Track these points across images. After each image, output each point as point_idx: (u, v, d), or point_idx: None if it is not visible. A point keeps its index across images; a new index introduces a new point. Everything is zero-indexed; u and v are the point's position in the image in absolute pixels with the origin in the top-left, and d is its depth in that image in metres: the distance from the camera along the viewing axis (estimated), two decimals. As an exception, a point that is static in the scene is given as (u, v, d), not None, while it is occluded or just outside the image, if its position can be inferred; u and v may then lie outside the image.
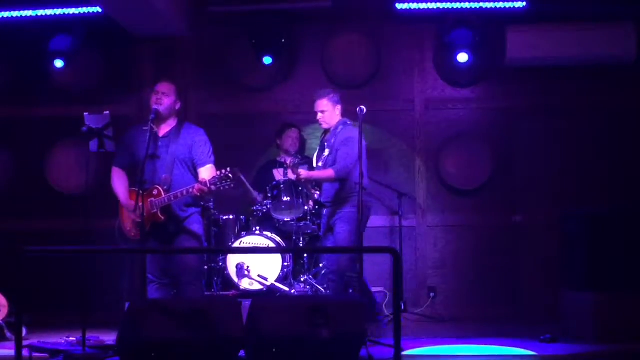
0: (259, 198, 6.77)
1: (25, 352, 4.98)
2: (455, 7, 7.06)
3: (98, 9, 6.95)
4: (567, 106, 7.46)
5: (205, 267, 6.66)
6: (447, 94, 7.63)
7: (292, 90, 7.66)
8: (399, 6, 7.11)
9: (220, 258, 6.71)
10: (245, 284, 6.58)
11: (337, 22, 7.60)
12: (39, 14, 7.13)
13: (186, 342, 4.57)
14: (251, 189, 6.78)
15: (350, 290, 6.29)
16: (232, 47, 7.63)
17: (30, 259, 4.81)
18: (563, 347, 5.45)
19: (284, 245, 6.72)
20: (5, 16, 7.16)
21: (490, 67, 7.49)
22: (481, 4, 7.03)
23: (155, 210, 5.57)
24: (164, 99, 5.72)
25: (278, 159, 7.24)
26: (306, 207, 6.58)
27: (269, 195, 6.57)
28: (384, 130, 7.57)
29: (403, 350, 4.90)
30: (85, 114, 5.55)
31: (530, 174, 7.47)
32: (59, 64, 7.17)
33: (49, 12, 7.12)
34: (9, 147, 7.69)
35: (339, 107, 6.25)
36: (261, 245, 6.62)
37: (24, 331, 5.78)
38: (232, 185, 5.45)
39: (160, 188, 5.60)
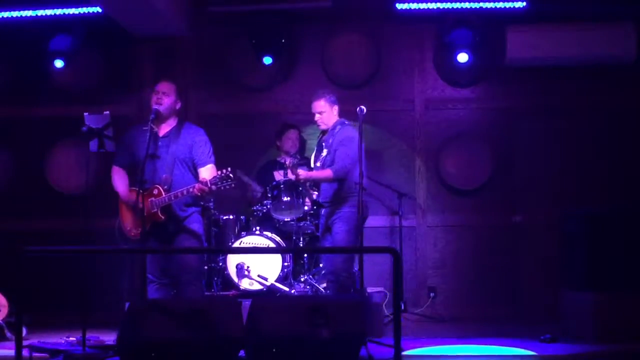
0: (258, 188, 6.76)
1: (25, 352, 4.98)
2: (455, 7, 7.05)
3: (98, 9, 6.95)
4: (567, 106, 7.46)
5: (205, 267, 6.66)
6: (447, 94, 7.63)
7: (292, 90, 7.66)
8: (399, 6, 7.10)
9: (220, 258, 6.70)
10: (245, 284, 6.58)
11: (337, 22, 7.59)
12: (39, 14, 7.12)
13: (186, 342, 4.58)
14: (251, 182, 6.78)
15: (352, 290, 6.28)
16: (232, 47, 7.62)
17: (30, 259, 4.82)
18: (563, 347, 5.45)
19: (284, 245, 6.72)
20: (5, 16, 7.15)
21: (490, 67, 7.49)
22: (481, 4, 7.03)
23: (155, 210, 5.56)
24: (164, 98, 5.72)
25: (278, 159, 7.24)
26: (306, 207, 6.59)
27: (269, 195, 6.57)
28: (384, 130, 7.57)
29: (403, 350, 4.90)
30: (85, 114, 5.55)
31: (530, 174, 7.46)
32: (59, 64, 7.17)
33: (49, 12, 7.12)
34: (9, 147, 7.69)
35: (336, 107, 6.25)
36: (261, 245, 6.61)
37: (24, 331, 5.78)
38: (233, 185, 5.45)
39: (160, 188, 5.60)
